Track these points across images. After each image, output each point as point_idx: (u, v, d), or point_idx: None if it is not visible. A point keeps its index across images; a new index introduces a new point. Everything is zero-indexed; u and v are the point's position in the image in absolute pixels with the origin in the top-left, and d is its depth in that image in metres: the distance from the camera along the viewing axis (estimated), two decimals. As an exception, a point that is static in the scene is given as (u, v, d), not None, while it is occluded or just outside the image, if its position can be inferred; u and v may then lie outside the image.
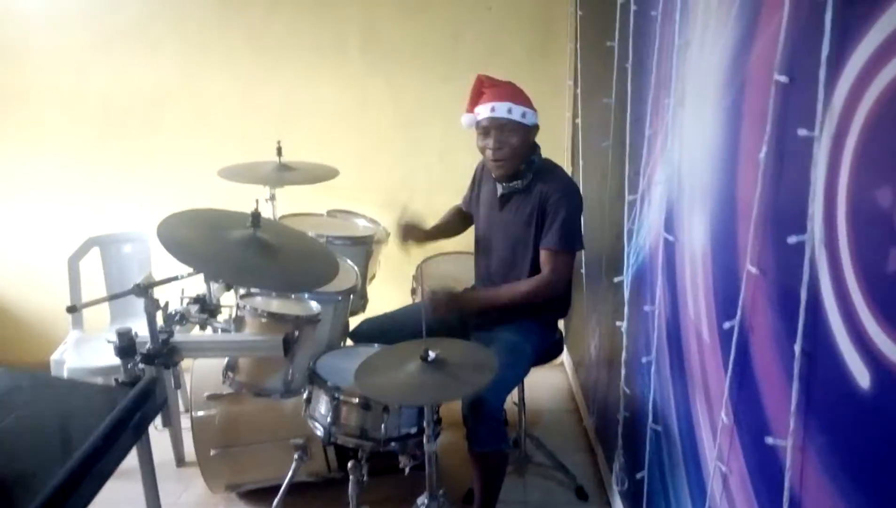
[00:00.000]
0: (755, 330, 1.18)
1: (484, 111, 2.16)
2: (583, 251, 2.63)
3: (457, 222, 2.56)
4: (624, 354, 2.06)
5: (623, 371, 2.06)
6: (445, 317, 2.19)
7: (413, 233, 2.42)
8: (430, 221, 3.28)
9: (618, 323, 2.09)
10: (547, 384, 3.22)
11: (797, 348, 1.02)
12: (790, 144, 1.04)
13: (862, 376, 0.87)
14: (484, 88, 2.20)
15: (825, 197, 0.95)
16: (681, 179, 1.56)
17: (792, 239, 1.00)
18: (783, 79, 1.04)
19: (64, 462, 0.98)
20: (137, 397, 1.16)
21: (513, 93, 2.18)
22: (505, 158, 2.17)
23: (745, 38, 1.21)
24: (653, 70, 1.74)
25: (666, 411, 1.70)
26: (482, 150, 2.22)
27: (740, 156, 1.23)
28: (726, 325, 1.25)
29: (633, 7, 1.94)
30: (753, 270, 1.15)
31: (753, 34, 1.18)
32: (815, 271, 0.97)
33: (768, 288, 1.12)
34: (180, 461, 2.70)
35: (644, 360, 1.83)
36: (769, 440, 1.10)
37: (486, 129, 2.17)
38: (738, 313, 1.21)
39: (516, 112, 2.14)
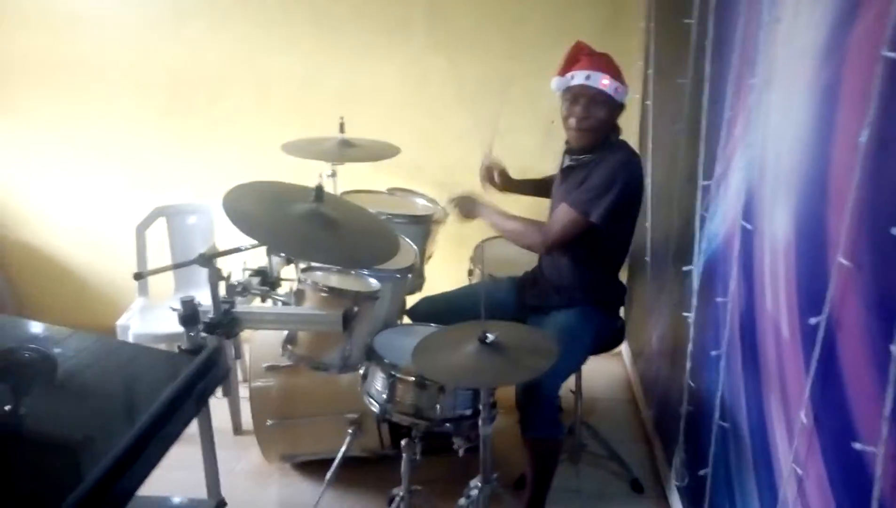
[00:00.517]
0: (844, 327, 1.10)
1: (579, 77, 2.08)
2: (648, 237, 2.55)
3: (548, 186, 2.47)
4: (690, 346, 1.98)
5: (688, 364, 1.99)
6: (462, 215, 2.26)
7: (496, 176, 2.39)
8: (486, 199, 3.27)
9: (685, 314, 2.01)
10: (604, 373, 3.15)
11: (894, 349, 0.94)
12: (898, 127, 0.95)
13: (972, 382, 0.80)
14: (581, 55, 2.12)
15: (938, 186, 0.86)
16: (763, 165, 1.47)
17: (894, 230, 0.92)
18: (893, 55, 0.95)
19: (128, 428, 0.99)
20: (201, 366, 1.17)
21: (610, 65, 2.11)
22: (589, 128, 2.10)
23: (847, 12, 1.12)
24: (735, 49, 1.64)
25: (735, 407, 1.62)
26: (566, 118, 2.14)
27: (835, 140, 1.15)
28: (812, 321, 1.17)
29: (715, -18, 1.83)
30: (846, 263, 1.07)
31: (857, 7, 1.08)
32: (921, 266, 0.90)
33: (862, 283, 1.04)
34: (237, 429, 2.76)
35: (713, 353, 1.75)
36: (857, 445, 1.03)
37: (577, 96, 2.10)
38: (826, 308, 1.13)
39: (611, 86, 2.07)
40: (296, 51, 3.21)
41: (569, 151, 2.20)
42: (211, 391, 1.23)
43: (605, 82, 2.06)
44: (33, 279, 3.60)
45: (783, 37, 1.39)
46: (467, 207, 2.23)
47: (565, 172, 2.21)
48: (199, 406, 1.20)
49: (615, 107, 2.11)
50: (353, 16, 3.15)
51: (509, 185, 2.48)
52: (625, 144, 2.20)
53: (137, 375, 1.32)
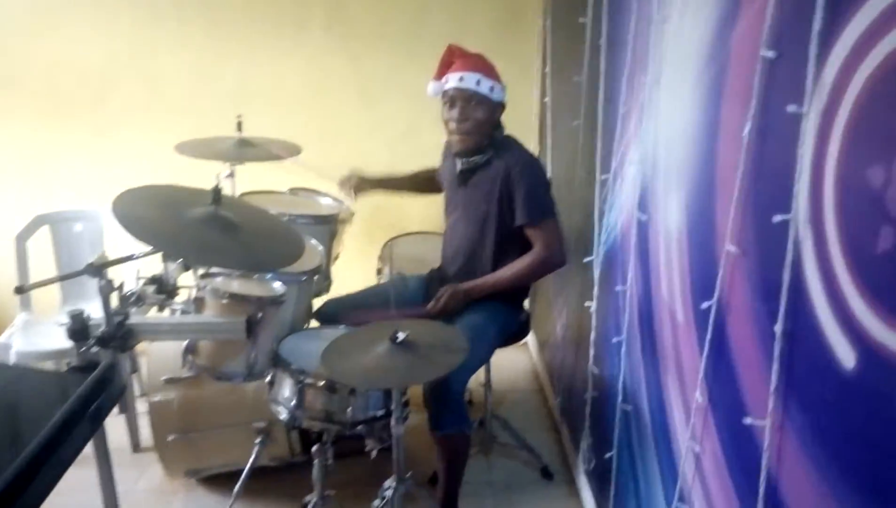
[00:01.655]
0: (733, 310, 1.17)
1: (452, 80, 2.10)
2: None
3: (424, 180, 2.51)
4: (593, 334, 2.05)
5: (591, 352, 2.06)
6: (452, 311, 2.13)
7: (359, 185, 2.40)
8: (393, 198, 3.26)
9: (587, 303, 2.08)
10: (511, 364, 3.21)
11: (778, 328, 1.01)
12: (776, 120, 1.02)
13: (847, 356, 0.87)
14: (454, 58, 2.15)
15: (812, 175, 0.93)
16: (656, 159, 1.55)
17: (776, 218, 0.98)
18: (770, 54, 1.02)
19: (15, 456, 0.90)
20: (94, 384, 1.09)
21: (483, 65, 2.13)
22: (468, 131, 2.13)
23: (729, 12, 1.18)
24: (628, 47, 1.71)
25: (636, 391, 1.70)
26: (446, 122, 2.17)
27: (721, 133, 1.21)
28: (703, 305, 1.24)
29: (606, -18, 1.90)
30: (733, 249, 1.14)
31: (738, 8, 1.15)
32: (799, 250, 0.96)
33: (749, 268, 1.11)
34: (136, 446, 2.61)
35: (614, 340, 1.82)
36: (747, 420, 1.10)
37: (453, 99, 2.12)
38: (716, 292, 1.20)
39: (485, 85, 2.09)
40: (187, 47, 3.08)
41: (458, 154, 2.21)
42: (107, 411, 1.15)
43: (478, 82, 2.09)
44: None
45: (671, 35, 1.46)
46: (458, 301, 2.14)
47: (462, 176, 2.23)
48: (94, 427, 1.12)
49: (493, 106, 2.14)
50: (247, 11, 3.05)
51: (377, 186, 2.49)
52: (514, 140, 2.25)
53: (23, 399, 1.21)
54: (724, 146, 1.20)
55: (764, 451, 1.06)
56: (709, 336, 1.24)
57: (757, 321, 1.09)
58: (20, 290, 1.59)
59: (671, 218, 1.44)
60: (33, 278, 2.72)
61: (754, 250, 1.10)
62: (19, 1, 2.97)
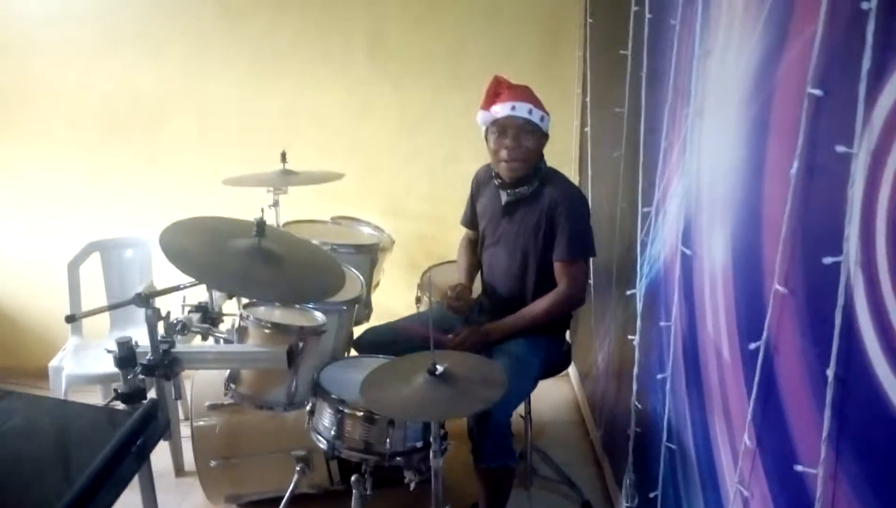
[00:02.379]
0: (782, 352, 1.14)
1: (503, 109, 2.11)
2: (592, 261, 2.59)
3: (475, 253, 2.47)
4: (636, 369, 2.01)
5: (635, 386, 2.02)
6: (471, 349, 2.11)
7: (461, 294, 2.29)
8: (432, 226, 3.28)
9: (629, 337, 2.04)
10: (552, 396, 3.17)
11: (830, 373, 0.97)
12: (825, 160, 0.99)
13: (903, 405, 0.83)
14: (501, 88, 2.16)
15: (863, 217, 0.90)
16: (700, 193, 1.52)
17: (827, 260, 0.95)
18: (817, 92, 0.99)
19: (64, 493, 0.93)
20: (140, 421, 1.11)
21: (532, 96, 2.16)
22: (520, 158, 2.13)
23: (774, 48, 1.17)
24: (670, 80, 1.69)
25: (682, 429, 1.65)
26: (495, 151, 2.17)
27: (767, 171, 1.19)
28: (751, 345, 1.20)
29: (647, 15, 1.90)
30: (782, 289, 1.11)
31: (783, 45, 1.13)
32: (851, 293, 0.93)
33: (798, 309, 1.08)
34: (179, 470, 2.65)
35: (659, 376, 1.78)
36: (798, 467, 1.06)
37: (504, 127, 2.13)
38: (764, 333, 1.16)
39: (536, 115, 2.11)
40: (236, 79, 3.17)
41: (502, 186, 2.22)
42: (151, 447, 1.17)
43: (530, 111, 2.10)
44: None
45: (714, 69, 1.44)
46: (479, 341, 2.15)
47: (507, 208, 2.23)
48: (140, 463, 1.13)
49: (542, 136, 2.16)
50: (293, 44, 3.13)
51: (470, 285, 2.39)
52: (559, 173, 2.26)
53: (72, 434, 1.24)
54: (771, 184, 1.17)
55: (816, 500, 1.01)
56: (757, 378, 1.20)
57: (808, 365, 1.06)
58: (71, 319, 1.64)
59: (716, 254, 1.41)
60: (84, 302, 2.81)
61: (804, 291, 1.07)
62: (77, 36, 3.10)
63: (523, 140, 2.12)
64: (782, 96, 1.14)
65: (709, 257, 1.46)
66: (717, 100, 1.42)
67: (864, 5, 0.86)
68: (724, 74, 1.39)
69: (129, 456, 1.04)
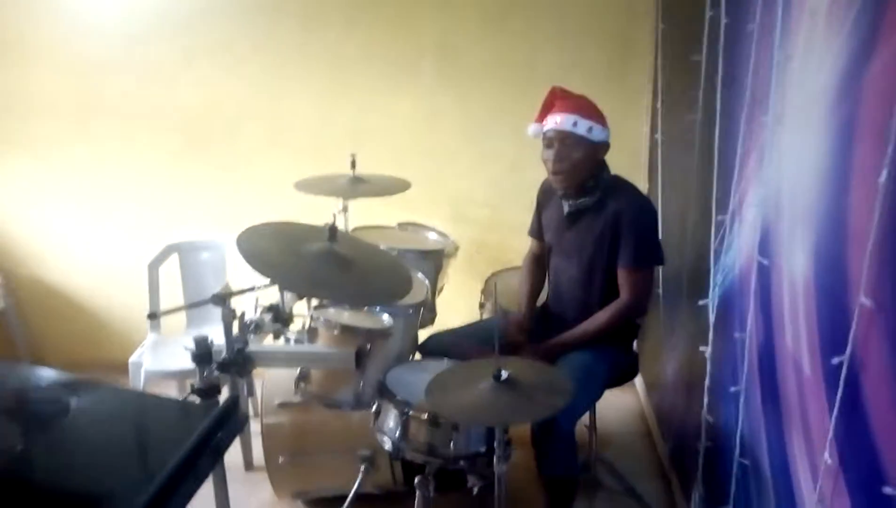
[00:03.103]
0: (868, 368, 1.09)
1: (550, 122, 2.12)
2: (660, 270, 2.55)
3: (539, 272, 2.46)
4: (707, 381, 1.96)
5: (706, 399, 1.97)
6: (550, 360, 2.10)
7: (519, 328, 2.28)
8: (496, 233, 3.28)
9: (701, 348, 1.99)
10: (618, 406, 3.11)
11: (921, 391, 0.93)
12: (918, 168, 0.95)
13: None
14: (556, 100, 2.16)
15: (961, 227, 0.86)
16: (779, 201, 1.47)
17: (919, 272, 0.91)
18: (911, 96, 0.95)
19: (144, 486, 0.97)
20: (217, 419, 1.15)
21: (582, 106, 2.13)
22: (564, 171, 2.12)
23: (862, 51, 1.12)
24: (747, 86, 1.65)
25: (756, 445, 1.60)
26: (545, 162, 2.18)
27: (853, 179, 1.14)
28: (834, 360, 1.15)
29: (723, 20, 1.85)
30: (868, 302, 1.06)
31: (873, 46, 1.09)
32: (946, 307, 0.89)
33: (886, 324, 1.03)
34: (249, 465, 2.73)
35: (732, 389, 1.73)
36: (887, 489, 1.01)
37: (550, 140, 2.13)
38: (849, 347, 1.12)
39: (582, 126, 2.08)
40: (308, 90, 3.25)
41: (564, 197, 2.21)
42: (227, 444, 1.21)
43: (574, 124, 2.08)
44: (47, 316, 3.60)
45: (795, 75, 1.40)
46: (550, 356, 2.13)
47: (570, 218, 2.22)
48: (215, 460, 1.18)
49: (592, 146, 2.12)
50: (363, 55, 3.19)
51: (530, 322, 2.35)
52: (620, 180, 2.22)
53: (152, 428, 1.30)
54: (857, 192, 1.13)
55: (905, 525, 0.97)
56: (840, 394, 1.15)
57: (896, 381, 1.01)
58: (153, 316, 1.73)
59: (796, 264, 1.37)
60: (162, 301, 2.94)
61: (892, 304, 1.02)
62: (158, 52, 3.25)
63: (568, 152, 2.10)
64: (871, 100, 1.09)
65: (788, 267, 1.41)
66: (799, 106, 1.38)
67: (965, 6, 0.82)
68: (806, 79, 1.35)
69: (207, 451, 1.08)
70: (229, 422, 1.18)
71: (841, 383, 1.14)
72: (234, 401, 1.28)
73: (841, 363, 1.14)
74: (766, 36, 1.55)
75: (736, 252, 1.76)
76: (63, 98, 3.31)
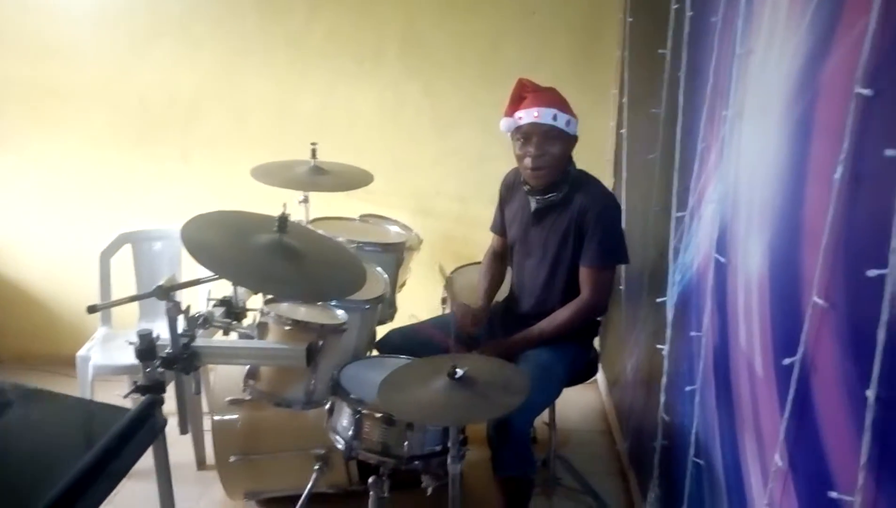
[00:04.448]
0: (819, 369, 1.07)
1: (527, 116, 2.05)
2: (623, 267, 2.53)
3: (499, 267, 2.43)
4: (664, 379, 1.94)
5: (662, 398, 1.95)
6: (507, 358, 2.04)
7: (474, 320, 2.21)
8: (462, 227, 3.24)
9: (658, 346, 1.97)
10: (579, 402, 3.10)
11: (870, 394, 0.90)
12: (872, 164, 0.92)
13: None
14: (526, 92, 2.10)
15: (913, 227, 0.83)
16: (737, 198, 1.45)
17: (871, 273, 0.89)
18: (866, 92, 0.92)
19: (46, 490, 0.91)
20: (131, 422, 1.08)
21: (557, 99, 2.08)
22: (546, 165, 2.07)
23: (820, 46, 1.10)
24: (709, 80, 1.62)
25: (710, 444, 1.58)
26: (520, 158, 2.12)
27: (809, 176, 1.12)
28: (786, 361, 1.13)
29: (688, 13, 1.83)
30: (820, 302, 1.04)
31: (830, 42, 1.06)
32: (896, 309, 0.86)
33: (838, 324, 1.01)
34: (201, 463, 2.66)
35: (687, 389, 1.71)
36: (833, 493, 0.99)
37: (528, 134, 2.07)
38: (801, 348, 1.10)
39: (561, 119, 2.04)
40: (270, 76, 3.18)
41: (531, 193, 2.16)
42: (142, 449, 1.15)
43: (554, 117, 2.03)
44: (-3, 308, 3.48)
45: (755, 69, 1.37)
46: (509, 353, 2.09)
47: (537, 214, 2.18)
48: (130, 464, 1.11)
49: (569, 140, 2.09)
50: (327, 42, 3.12)
51: (486, 313, 2.30)
52: (585, 174, 2.19)
53: (62, 432, 1.23)
54: (813, 189, 1.10)
55: (852, 530, 0.95)
56: (791, 395, 1.13)
57: (846, 384, 0.99)
58: (93, 309, 1.64)
59: (752, 263, 1.34)
60: (116, 293, 2.84)
61: (844, 305, 1.00)
62: (115, 35, 3.15)
63: (548, 147, 2.05)
64: (828, 97, 1.07)
65: (744, 265, 1.39)
66: (758, 101, 1.35)
67: (921, -3, 0.79)
68: (765, 73, 1.32)
69: (120, 455, 1.02)
70: (144, 426, 1.12)
71: (792, 384, 1.12)
72: (150, 404, 1.21)
73: (792, 364, 1.11)
74: (728, 28, 1.52)
75: (694, 250, 1.74)
76: (13, 83, 3.20)
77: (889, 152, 0.85)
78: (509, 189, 2.33)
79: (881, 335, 0.88)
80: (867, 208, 0.94)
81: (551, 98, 2.08)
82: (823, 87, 1.08)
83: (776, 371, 1.20)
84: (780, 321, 1.21)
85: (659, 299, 1.99)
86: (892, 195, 0.86)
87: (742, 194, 1.43)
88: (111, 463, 0.99)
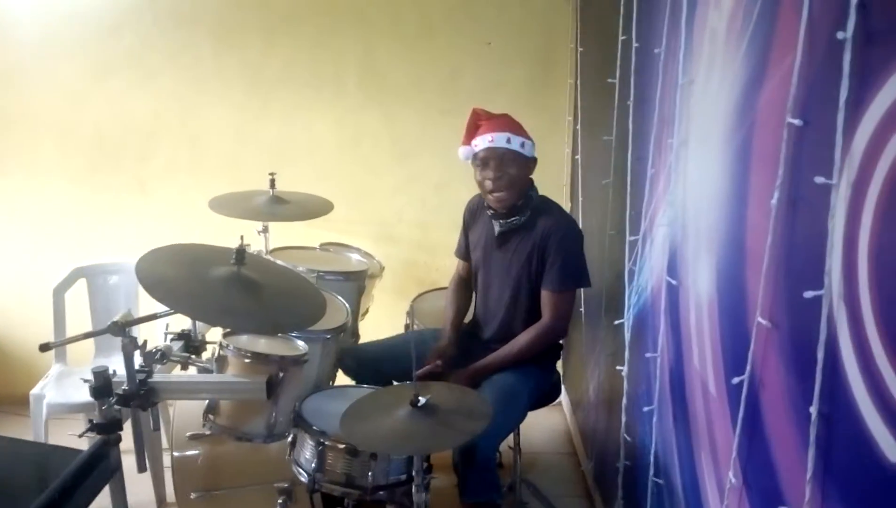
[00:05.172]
0: (767, 387, 1.10)
1: (482, 142, 2.11)
2: (582, 289, 2.57)
3: (464, 294, 2.43)
4: (624, 400, 1.97)
5: (623, 418, 1.98)
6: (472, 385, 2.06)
7: (441, 357, 2.18)
8: (423, 254, 3.26)
9: (618, 367, 2.01)
10: (544, 426, 3.11)
11: (813, 410, 0.94)
12: (805, 191, 0.97)
13: (889, 447, 0.79)
14: (480, 121, 2.16)
15: (844, 250, 0.88)
16: (685, 222, 1.50)
17: (808, 294, 0.93)
18: (797, 122, 0.97)
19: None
20: (83, 465, 1.06)
21: (510, 124, 2.14)
22: (504, 187, 2.12)
23: (754, 78, 1.15)
24: (655, 108, 1.68)
25: (669, 464, 1.61)
26: (480, 183, 2.17)
27: (749, 201, 1.17)
28: (735, 380, 1.17)
29: (634, 44, 1.89)
30: (765, 322, 1.08)
31: (763, 75, 1.12)
32: (834, 328, 0.90)
33: (781, 343, 1.05)
34: (161, 502, 2.59)
35: (646, 409, 1.74)
36: (783, 509, 1.02)
37: (485, 160, 2.12)
38: (748, 367, 1.13)
39: (515, 142, 2.10)
40: (227, 107, 3.17)
41: (494, 217, 2.20)
42: (95, 491, 1.12)
43: (508, 140, 2.09)
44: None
45: (697, 98, 1.43)
46: (473, 380, 2.09)
47: (500, 238, 2.21)
48: (87, 502, 1.08)
49: (526, 162, 2.14)
50: (284, 71, 3.14)
51: (457, 345, 2.27)
52: (546, 200, 2.24)
53: (13, 475, 1.19)
54: (753, 214, 1.15)
55: (802, 544, 0.97)
56: (741, 414, 1.16)
57: (791, 401, 1.02)
58: (45, 347, 1.60)
59: (701, 285, 1.39)
60: (71, 329, 2.77)
61: (786, 325, 1.04)
62: (66, 64, 3.11)
63: (506, 168, 2.11)
64: (763, 126, 1.12)
65: (694, 287, 1.43)
66: (701, 129, 1.41)
67: (840, 35, 0.84)
68: (707, 102, 1.38)
69: (75, 496, 0.99)
70: (98, 467, 1.10)
71: (742, 402, 1.16)
72: (102, 444, 1.19)
73: (741, 383, 1.15)
74: (671, 60, 1.58)
75: (648, 272, 1.78)
76: (-38, 113, 3.13)
77: (819, 179, 0.90)
78: (473, 214, 2.36)
79: (820, 354, 0.92)
80: (803, 233, 0.99)
81: (505, 123, 2.13)
82: (759, 116, 1.14)
83: (727, 390, 1.24)
84: (729, 341, 1.25)
85: (617, 321, 2.03)
86: (824, 219, 0.90)
87: (690, 219, 1.48)
88: (64, 506, 0.97)
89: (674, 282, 1.54)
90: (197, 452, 2.20)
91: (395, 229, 3.30)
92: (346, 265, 2.64)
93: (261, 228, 2.83)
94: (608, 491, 2.27)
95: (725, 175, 1.27)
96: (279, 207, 2.65)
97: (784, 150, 1.01)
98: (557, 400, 2.90)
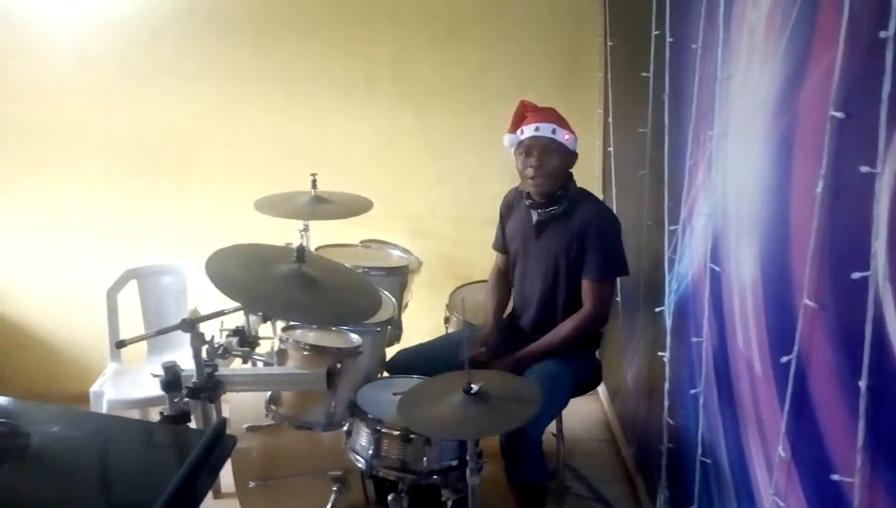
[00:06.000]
0: (814, 365, 1.17)
1: (528, 130, 2.19)
2: (619, 279, 2.63)
3: (504, 286, 2.50)
4: (667, 385, 2.03)
5: (666, 402, 2.04)
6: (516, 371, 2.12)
7: (484, 345, 2.28)
8: (459, 248, 3.33)
9: (659, 353, 2.07)
10: (583, 414, 3.18)
11: (862, 384, 1.00)
12: (849, 179, 1.03)
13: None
14: (527, 112, 2.24)
15: (889, 234, 0.94)
16: (726, 210, 1.56)
17: (855, 275, 0.99)
18: (839, 115, 1.04)
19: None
20: (211, 440, 1.15)
21: (556, 116, 2.23)
22: (546, 175, 2.19)
23: (795, 73, 1.21)
24: (693, 101, 1.74)
25: (715, 444, 1.68)
26: (521, 171, 2.24)
27: (793, 189, 1.23)
28: (783, 359, 1.23)
29: (668, 39, 1.95)
30: (811, 304, 1.14)
31: (804, 70, 1.18)
32: (880, 307, 0.96)
33: (828, 323, 1.11)
34: (217, 492, 2.69)
35: (691, 392, 1.81)
36: (835, 476, 1.08)
37: (529, 148, 2.19)
38: (796, 347, 1.20)
39: (560, 134, 2.18)
40: (265, 109, 3.26)
41: (533, 206, 2.27)
42: (220, 465, 1.22)
43: (553, 131, 2.17)
44: (2, 350, 3.50)
45: (737, 92, 1.49)
46: (516, 368, 2.16)
47: (538, 227, 2.28)
48: (212, 480, 1.18)
49: (567, 155, 2.22)
50: (318, 74, 3.21)
51: (500, 338, 2.35)
52: (585, 191, 2.31)
53: (147, 454, 1.29)
54: (797, 202, 1.21)
55: (854, 508, 1.04)
56: (789, 391, 1.23)
57: (840, 377, 1.09)
58: (121, 344, 1.71)
59: (745, 270, 1.45)
60: (122, 328, 2.89)
61: (833, 305, 1.10)
62: (105, 75, 3.22)
63: (548, 158, 2.18)
64: (805, 118, 1.18)
65: (737, 273, 1.50)
66: (741, 122, 1.47)
67: (882, 34, 0.90)
68: (746, 96, 1.44)
69: (201, 475, 1.09)
70: (221, 443, 1.19)
71: (790, 380, 1.22)
72: (223, 422, 1.29)
73: (789, 362, 1.21)
74: (708, 55, 1.64)
75: (689, 260, 1.84)
76: (13, 124, 3.25)
77: (864, 168, 0.96)
78: (509, 207, 2.43)
79: (868, 331, 0.99)
80: (847, 219, 1.05)
81: (551, 115, 2.22)
82: (801, 110, 1.20)
83: (774, 369, 1.31)
84: (775, 323, 1.31)
85: (658, 309, 2.09)
86: (869, 206, 0.97)
87: (731, 208, 1.54)
88: (199, 479, 1.06)
89: (717, 268, 1.61)
90: (254, 443, 2.30)
91: (429, 225, 3.37)
92: (388, 261, 2.73)
93: (301, 226, 2.92)
94: (651, 474, 2.34)
95: (767, 165, 1.34)
96: (321, 206, 2.74)
97: (827, 141, 1.07)
98: (594, 390, 2.96)
